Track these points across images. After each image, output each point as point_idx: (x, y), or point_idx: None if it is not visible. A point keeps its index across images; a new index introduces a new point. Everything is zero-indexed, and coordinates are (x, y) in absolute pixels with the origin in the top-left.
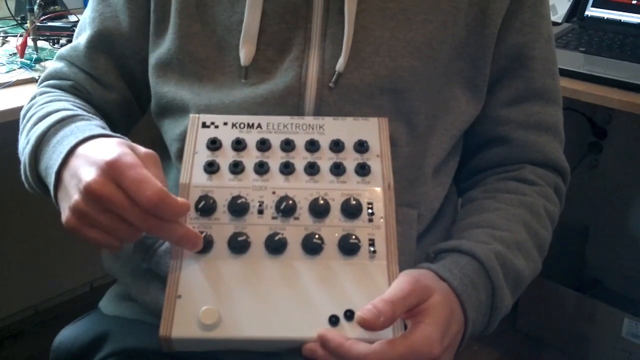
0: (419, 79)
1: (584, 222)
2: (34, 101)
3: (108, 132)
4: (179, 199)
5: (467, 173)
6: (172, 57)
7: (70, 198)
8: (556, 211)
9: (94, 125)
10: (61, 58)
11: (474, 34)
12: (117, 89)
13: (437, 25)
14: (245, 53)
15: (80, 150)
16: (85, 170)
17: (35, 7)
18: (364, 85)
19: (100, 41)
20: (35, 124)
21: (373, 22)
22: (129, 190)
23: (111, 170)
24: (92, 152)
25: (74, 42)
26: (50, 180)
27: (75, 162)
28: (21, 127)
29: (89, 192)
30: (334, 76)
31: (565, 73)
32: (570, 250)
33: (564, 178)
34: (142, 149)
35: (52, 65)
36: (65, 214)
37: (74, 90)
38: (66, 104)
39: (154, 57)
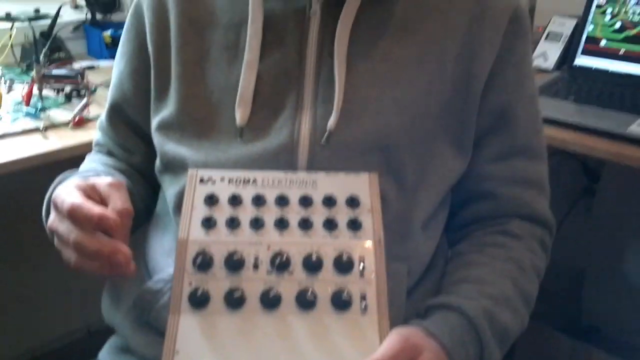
0: (406, 136)
1: (580, 266)
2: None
3: (89, 174)
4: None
5: (455, 225)
6: (172, 118)
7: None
8: (542, 266)
9: (85, 170)
10: (99, 129)
11: (460, 92)
12: (139, 153)
13: (423, 85)
14: (240, 113)
15: (55, 193)
16: (52, 215)
17: (42, 56)
18: (354, 142)
19: (114, 112)
20: (61, 180)
21: (362, 83)
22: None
23: (70, 214)
24: (58, 198)
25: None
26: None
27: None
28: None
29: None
30: (326, 134)
31: (555, 122)
32: (567, 295)
33: (550, 232)
34: (102, 182)
35: (96, 134)
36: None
37: (110, 154)
38: (93, 164)
39: (156, 120)
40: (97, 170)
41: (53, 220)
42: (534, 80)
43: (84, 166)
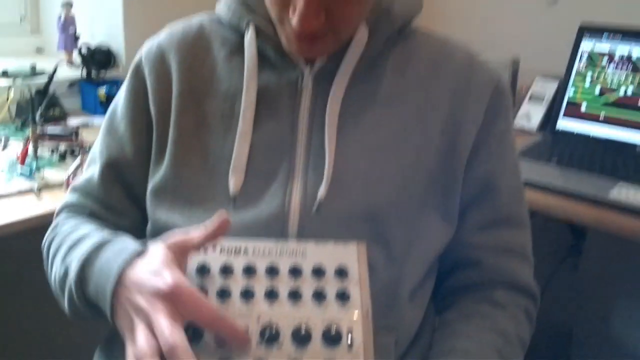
0: (394, 206)
1: (568, 325)
2: (56, 231)
3: (138, 246)
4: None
5: (442, 293)
6: (167, 183)
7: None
8: (527, 335)
9: (130, 242)
10: (75, 190)
11: (445, 163)
12: (129, 216)
13: (410, 157)
14: (234, 182)
15: (127, 276)
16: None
17: (38, 116)
18: (343, 212)
19: (110, 171)
20: (68, 252)
21: (351, 154)
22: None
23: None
24: (140, 279)
25: (87, 174)
26: (106, 308)
27: (126, 294)
28: (49, 256)
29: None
30: (316, 204)
31: (538, 186)
32: (555, 353)
33: (534, 301)
34: (163, 249)
35: (67, 197)
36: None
37: (92, 216)
38: (92, 227)
39: (151, 184)
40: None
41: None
42: (516, 152)
43: (76, 231)
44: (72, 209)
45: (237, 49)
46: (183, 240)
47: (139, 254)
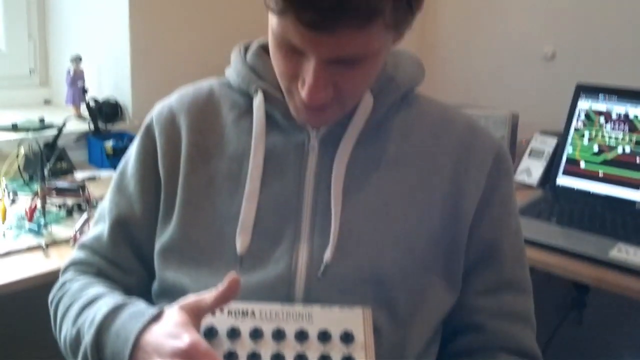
0: (399, 269)
1: None
2: (65, 288)
3: (153, 311)
4: None
5: (445, 356)
6: (175, 243)
7: None
8: None
9: (146, 306)
10: (83, 247)
11: (449, 227)
12: (136, 274)
13: (414, 221)
14: (241, 243)
15: (145, 340)
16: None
17: (46, 172)
18: (348, 275)
19: (119, 229)
20: (80, 313)
21: (357, 217)
22: None
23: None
24: (158, 342)
25: (95, 231)
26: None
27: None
28: (57, 314)
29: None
30: (322, 267)
31: (538, 245)
32: None
33: None
34: (178, 312)
35: (75, 254)
36: None
37: (99, 275)
38: (102, 288)
39: (158, 243)
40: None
41: None
42: (518, 216)
43: (86, 291)
44: (79, 267)
45: (246, 112)
46: (196, 302)
47: (155, 318)
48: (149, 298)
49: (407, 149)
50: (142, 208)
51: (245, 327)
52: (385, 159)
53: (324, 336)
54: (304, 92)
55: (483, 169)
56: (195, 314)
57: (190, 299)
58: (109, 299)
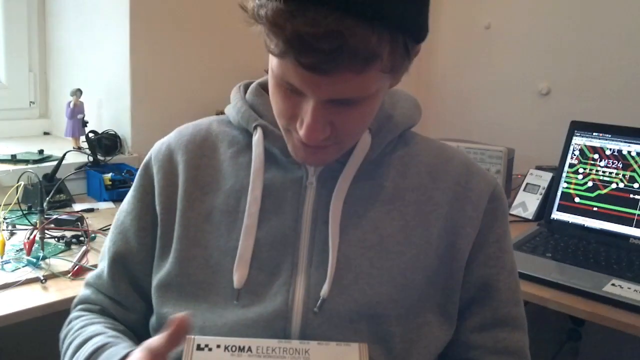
0: (394, 305)
1: None
2: (70, 326)
3: (133, 348)
4: None
5: None
6: (172, 279)
7: None
8: None
9: (121, 348)
10: (88, 285)
11: (444, 265)
12: (137, 310)
13: (410, 257)
14: (238, 277)
15: None
16: None
17: (45, 204)
18: (345, 310)
19: (117, 266)
20: (74, 353)
21: (354, 252)
22: None
23: None
24: None
25: (98, 269)
26: None
27: None
28: (62, 350)
29: None
30: (319, 302)
31: (534, 280)
32: None
33: None
34: (141, 353)
35: (82, 291)
36: None
37: (103, 313)
38: (98, 327)
39: (156, 279)
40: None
41: None
42: (513, 254)
43: (86, 329)
44: (85, 305)
45: (245, 148)
46: (154, 341)
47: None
48: (150, 335)
49: (404, 186)
50: (139, 244)
51: None
52: (382, 196)
53: None
54: (302, 132)
55: (479, 208)
56: (155, 355)
57: (151, 340)
58: (94, 342)
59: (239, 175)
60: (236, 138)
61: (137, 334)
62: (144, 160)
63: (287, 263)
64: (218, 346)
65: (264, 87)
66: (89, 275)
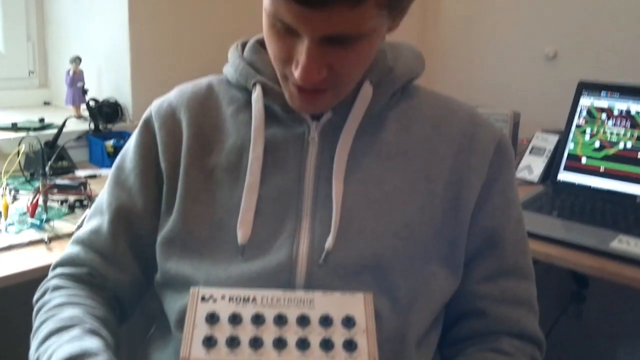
0: (399, 258)
1: None
2: (47, 298)
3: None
4: None
5: (448, 342)
6: (175, 235)
7: None
8: None
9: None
10: (79, 242)
11: (450, 217)
12: (131, 271)
13: (415, 209)
14: (242, 233)
15: None
16: None
17: (47, 169)
18: (349, 262)
19: (119, 223)
20: (46, 338)
21: (357, 206)
22: None
23: None
24: None
25: (91, 225)
26: None
27: None
28: (34, 324)
29: None
30: (323, 254)
31: (539, 238)
32: None
33: (540, 348)
34: None
35: (69, 249)
36: None
37: (89, 277)
38: (77, 312)
39: (160, 235)
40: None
41: None
42: (519, 204)
43: (61, 311)
44: (69, 268)
45: (245, 105)
46: None
47: None
48: (139, 297)
49: (408, 139)
50: (143, 201)
51: (246, 313)
52: (385, 150)
53: (326, 321)
54: (297, 73)
55: (484, 159)
56: None
57: None
58: (71, 343)
59: (240, 133)
60: (235, 96)
61: (126, 297)
62: (144, 117)
63: (290, 218)
64: (223, 297)
65: (262, 43)
66: (80, 232)
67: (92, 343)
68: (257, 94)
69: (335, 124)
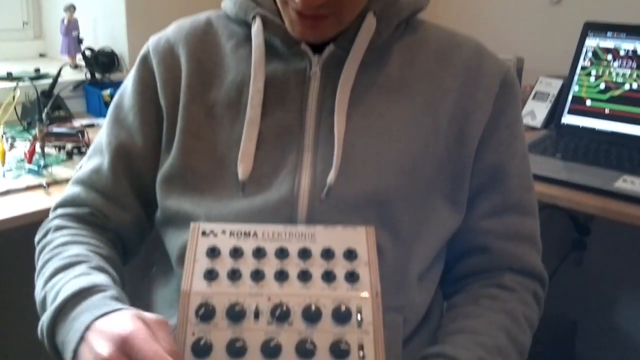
0: (402, 193)
1: (572, 318)
2: (50, 237)
3: (121, 304)
4: None
5: (451, 279)
6: (175, 171)
7: None
8: (535, 316)
9: (109, 297)
10: (79, 183)
11: (454, 152)
12: (133, 210)
13: (419, 144)
14: (242, 169)
15: (96, 325)
16: (100, 344)
17: (44, 115)
18: (351, 197)
19: (119, 161)
20: (52, 276)
21: (360, 141)
22: None
23: (125, 345)
24: (107, 327)
25: (91, 165)
26: (68, 356)
27: (91, 337)
28: (37, 264)
29: None
30: (325, 189)
31: (543, 179)
32: (560, 346)
33: (542, 284)
34: (151, 317)
35: (69, 190)
36: None
37: (92, 217)
38: (82, 250)
39: (160, 173)
40: (89, 266)
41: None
42: (524, 140)
43: (66, 249)
44: (71, 208)
45: (244, 40)
46: (150, 318)
47: (107, 313)
48: (142, 237)
49: (412, 73)
50: (143, 139)
51: (248, 247)
52: (389, 83)
53: (328, 254)
54: None
55: (490, 93)
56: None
57: (147, 315)
58: (78, 273)
59: (240, 68)
60: (235, 31)
61: (129, 237)
62: (141, 54)
63: (292, 153)
64: (223, 232)
65: None
66: (79, 173)
67: (101, 278)
68: (256, 27)
69: (337, 58)
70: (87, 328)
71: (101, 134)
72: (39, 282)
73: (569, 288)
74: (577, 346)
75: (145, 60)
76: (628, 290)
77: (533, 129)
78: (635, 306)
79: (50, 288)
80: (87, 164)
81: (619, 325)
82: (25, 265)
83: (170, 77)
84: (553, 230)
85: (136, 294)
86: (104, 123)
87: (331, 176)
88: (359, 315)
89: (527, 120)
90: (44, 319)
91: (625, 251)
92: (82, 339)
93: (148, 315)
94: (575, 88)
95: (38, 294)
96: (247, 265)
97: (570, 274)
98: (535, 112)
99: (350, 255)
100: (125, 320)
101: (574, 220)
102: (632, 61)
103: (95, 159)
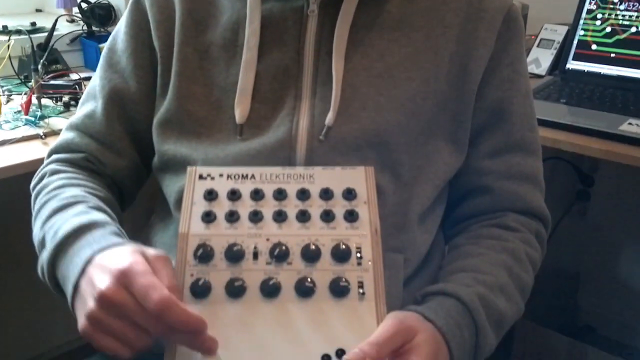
0: (403, 132)
1: (575, 269)
2: (46, 182)
3: (121, 239)
4: (191, 312)
5: (453, 221)
6: (172, 116)
7: (85, 305)
8: (537, 256)
9: (109, 233)
10: (73, 128)
11: (455, 90)
12: (128, 155)
13: (420, 83)
14: (240, 112)
15: (97, 259)
16: (99, 278)
17: (40, 67)
18: (351, 138)
19: (113, 105)
20: (50, 216)
21: (359, 81)
22: (138, 296)
23: (123, 278)
24: (107, 261)
25: (84, 110)
26: (68, 290)
27: (91, 271)
28: (34, 209)
29: (102, 299)
30: (324, 130)
31: (547, 124)
32: (563, 297)
33: (545, 225)
34: (152, 253)
35: (63, 135)
36: (80, 321)
37: (87, 163)
38: (78, 191)
39: (156, 118)
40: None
41: (114, 294)
42: (528, 78)
43: (65, 191)
44: (65, 154)
45: None
46: (151, 254)
47: (108, 247)
48: (138, 183)
49: (412, 10)
50: (137, 83)
51: (246, 189)
52: (389, 21)
53: (326, 194)
54: None
55: (492, 29)
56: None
57: (148, 251)
58: (78, 217)
59: (235, 7)
60: None
61: (125, 183)
62: None
63: (289, 95)
64: (221, 175)
65: None
66: (73, 118)
67: (100, 216)
68: None
69: None
70: (88, 262)
71: (94, 79)
72: (36, 224)
73: (572, 239)
74: (580, 298)
75: (138, 1)
76: (632, 242)
77: (538, 76)
78: (638, 258)
79: (49, 228)
80: (81, 109)
81: (622, 277)
82: (23, 214)
83: (163, 18)
84: (557, 181)
85: (135, 238)
86: (98, 67)
87: (330, 117)
88: (358, 253)
89: (531, 69)
90: (44, 255)
91: (630, 203)
92: (82, 272)
93: (149, 250)
94: (580, 32)
95: (36, 234)
96: (245, 207)
97: (573, 225)
98: (540, 60)
99: (350, 194)
100: (125, 255)
101: (578, 171)
102: (639, 3)
103: (89, 104)
